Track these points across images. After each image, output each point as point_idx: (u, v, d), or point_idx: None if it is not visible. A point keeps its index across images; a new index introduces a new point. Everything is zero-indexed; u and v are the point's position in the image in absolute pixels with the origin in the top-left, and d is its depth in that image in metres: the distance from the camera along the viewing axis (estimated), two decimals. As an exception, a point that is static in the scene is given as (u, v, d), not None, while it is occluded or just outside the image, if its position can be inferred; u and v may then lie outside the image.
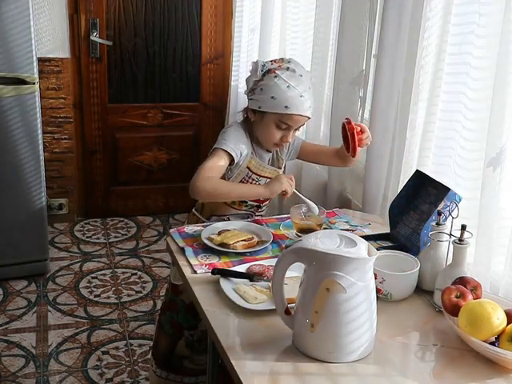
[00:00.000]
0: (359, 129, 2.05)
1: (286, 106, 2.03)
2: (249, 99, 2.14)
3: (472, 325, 1.48)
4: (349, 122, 2.05)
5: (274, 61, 2.12)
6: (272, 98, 2.04)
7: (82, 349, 2.86)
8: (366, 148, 2.54)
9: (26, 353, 2.81)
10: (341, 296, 1.41)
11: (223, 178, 2.12)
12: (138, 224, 4.18)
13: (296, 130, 2.13)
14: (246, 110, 2.18)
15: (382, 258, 1.71)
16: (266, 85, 2.06)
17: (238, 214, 2.21)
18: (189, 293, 1.81)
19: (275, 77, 2.05)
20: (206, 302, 1.67)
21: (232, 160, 2.08)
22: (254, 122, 2.14)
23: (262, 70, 2.10)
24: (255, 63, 2.13)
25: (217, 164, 2.05)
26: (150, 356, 2.41)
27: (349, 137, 2.04)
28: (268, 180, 2.17)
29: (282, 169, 2.28)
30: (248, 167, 2.15)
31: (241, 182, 2.16)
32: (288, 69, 2.06)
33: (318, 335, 1.44)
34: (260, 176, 2.18)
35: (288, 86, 2.03)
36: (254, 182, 2.17)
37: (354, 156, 2.08)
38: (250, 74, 2.15)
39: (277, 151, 2.25)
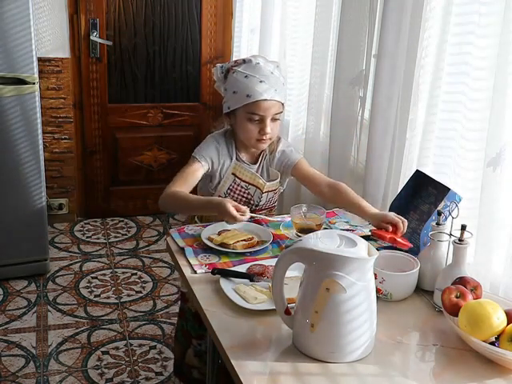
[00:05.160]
0: (390, 228, 1.86)
1: (247, 95, 2.03)
2: (222, 105, 2.15)
3: (472, 325, 1.48)
4: (379, 236, 1.85)
5: (234, 61, 2.15)
6: (234, 92, 2.06)
7: (81, 349, 2.86)
8: (366, 148, 2.55)
9: (26, 353, 2.81)
10: (341, 296, 1.41)
11: (205, 185, 2.18)
12: (138, 224, 4.18)
13: (274, 120, 2.08)
14: (223, 118, 2.19)
15: (382, 258, 1.71)
16: (227, 83, 2.11)
17: None
18: (189, 293, 1.81)
19: (234, 73, 2.09)
20: (206, 301, 1.67)
21: (207, 167, 2.13)
22: (233, 127, 2.15)
23: (222, 72, 2.14)
24: (215, 69, 2.17)
25: (187, 172, 2.10)
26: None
27: (395, 243, 1.85)
28: (256, 189, 2.18)
29: (278, 181, 2.22)
30: (234, 173, 2.16)
31: (228, 189, 2.17)
32: (244, 61, 2.10)
33: (318, 335, 1.44)
34: (249, 184, 2.18)
35: (246, 76, 2.05)
36: (243, 189, 2.18)
37: (408, 247, 1.85)
38: (215, 81, 2.18)
39: (267, 161, 2.22)
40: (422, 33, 2.11)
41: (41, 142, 3.24)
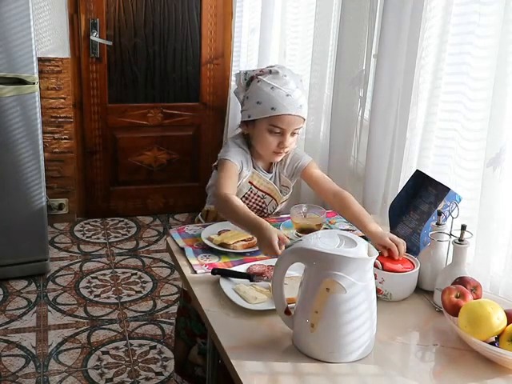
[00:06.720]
0: (385, 254, 1.78)
1: (272, 108, 2.00)
2: (241, 112, 2.13)
3: (472, 325, 1.48)
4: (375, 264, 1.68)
5: (259, 69, 2.12)
6: (257, 103, 2.02)
7: (82, 349, 2.86)
8: (366, 148, 2.55)
9: (26, 353, 2.81)
10: (341, 296, 1.41)
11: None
12: (138, 224, 4.18)
13: (294, 134, 2.07)
14: (240, 124, 2.16)
15: (382, 258, 1.71)
16: (250, 92, 2.06)
17: None
18: (189, 293, 1.81)
19: (258, 81, 2.05)
20: (206, 302, 1.68)
21: (239, 169, 2.08)
22: (250, 135, 2.12)
23: (245, 79, 2.10)
24: (237, 74, 2.13)
25: (230, 172, 2.04)
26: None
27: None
28: (271, 199, 2.18)
29: (290, 192, 2.24)
30: (250, 182, 2.14)
31: (243, 196, 2.14)
32: (271, 72, 2.06)
33: (318, 335, 1.44)
34: (265, 193, 2.17)
35: (272, 88, 2.01)
36: (259, 198, 2.16)
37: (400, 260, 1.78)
38: (236, 86, 2.15)
39: (279, 168, 2.21)
40: (421, 33, 2.11)
41: (41, 142, 3.24)
